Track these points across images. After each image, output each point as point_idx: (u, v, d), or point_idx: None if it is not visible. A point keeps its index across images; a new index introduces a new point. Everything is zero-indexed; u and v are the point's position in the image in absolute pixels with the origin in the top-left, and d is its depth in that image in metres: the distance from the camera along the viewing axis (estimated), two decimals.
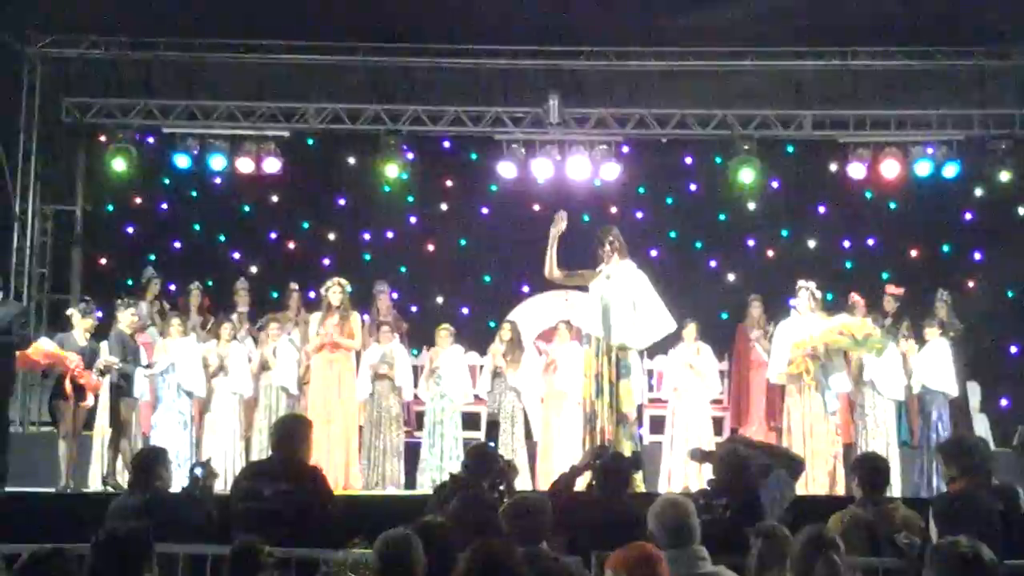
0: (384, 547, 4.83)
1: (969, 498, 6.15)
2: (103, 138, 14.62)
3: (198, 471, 6.90)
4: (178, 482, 8.09)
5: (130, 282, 13.86)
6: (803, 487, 10.44)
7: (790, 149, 15.24)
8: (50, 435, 11.73)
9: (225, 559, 5.33)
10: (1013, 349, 14.79)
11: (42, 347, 10.88)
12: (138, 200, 15.46)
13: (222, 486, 10.54)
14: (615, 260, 10.14)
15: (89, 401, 10.87)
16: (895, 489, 10.68)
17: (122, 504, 6.62)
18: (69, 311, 11.60)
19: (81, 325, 11.07)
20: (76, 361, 10.68)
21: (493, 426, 12.47)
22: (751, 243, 15.49)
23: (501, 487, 6.82)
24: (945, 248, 15.17)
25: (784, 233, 15.43)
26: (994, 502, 6.15)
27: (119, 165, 14.24)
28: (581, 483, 7.21)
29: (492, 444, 10.94)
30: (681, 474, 11.71)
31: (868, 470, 6.38)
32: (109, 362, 10.95)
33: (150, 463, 6.84)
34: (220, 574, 5.55)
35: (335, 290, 11.90)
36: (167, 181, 15.36)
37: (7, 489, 10.19)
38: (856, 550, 5.64)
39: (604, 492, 6.72)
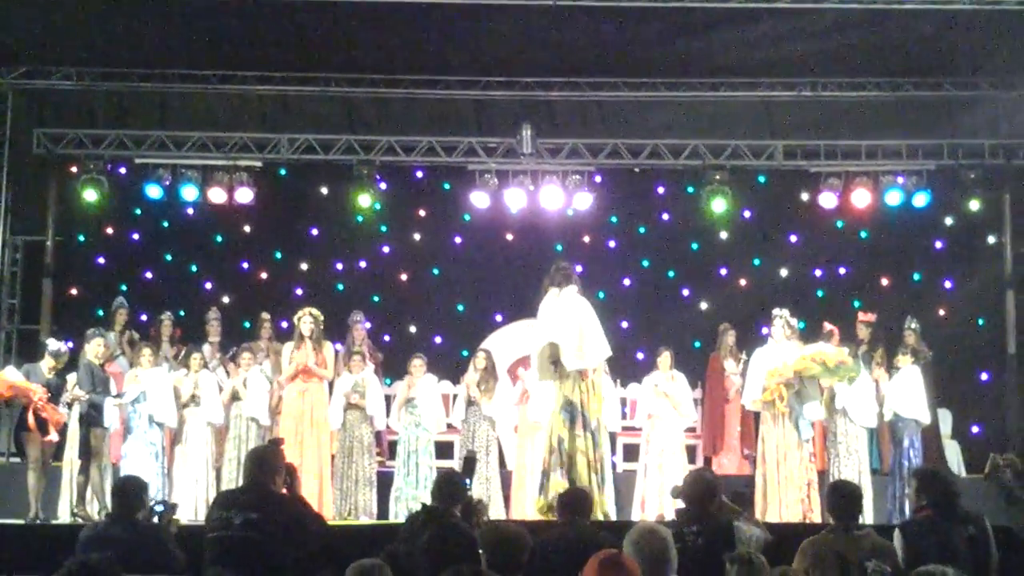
0: None
1: (937, 524, 6.19)
2: (74, 169, 14.54)
3: (160, 508, 6.81)
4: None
5: (101, 312, 13.79)
6: (776, 515, 10.51)
7: (761, 179, 15.29)
8: (17, 466, 11.65)
9: None
10: (984, 376, 14.85)
11: (7, 377, 10.81)
12: (109, 231, 15.36)
13: (192, 516, 10.59)
14: (551, 293, 10.09)
15: (52, 436, 10.77)
16: (867, 516, 10.70)
17: (100, 534, 6.52)
18: (49, 343, 11.54)
19: (46, 364, 11.07)
20: (40, 393, 10.61)
21: (470, 462, 12.36)
22: (723, 272, 15.50)
23: (473, 520, 6.77)
24: (916, 276, 15.25)
25: (756, 262, 15.47)
26: (962, 529, 6.19)
27: (90, 196, 14.17)
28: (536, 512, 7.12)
29: (467, 481, 10.86)
30: (655, 502, 11.69)
31: (840, 497, 6.38)
32: (76, 395, 10.89)
33: (136, 492, 6.77)
34: None
35: (307, 320, 11.92)
36: (139, 212, 15.26)
37: None
38: None
39: (564, 520, 6.65)
